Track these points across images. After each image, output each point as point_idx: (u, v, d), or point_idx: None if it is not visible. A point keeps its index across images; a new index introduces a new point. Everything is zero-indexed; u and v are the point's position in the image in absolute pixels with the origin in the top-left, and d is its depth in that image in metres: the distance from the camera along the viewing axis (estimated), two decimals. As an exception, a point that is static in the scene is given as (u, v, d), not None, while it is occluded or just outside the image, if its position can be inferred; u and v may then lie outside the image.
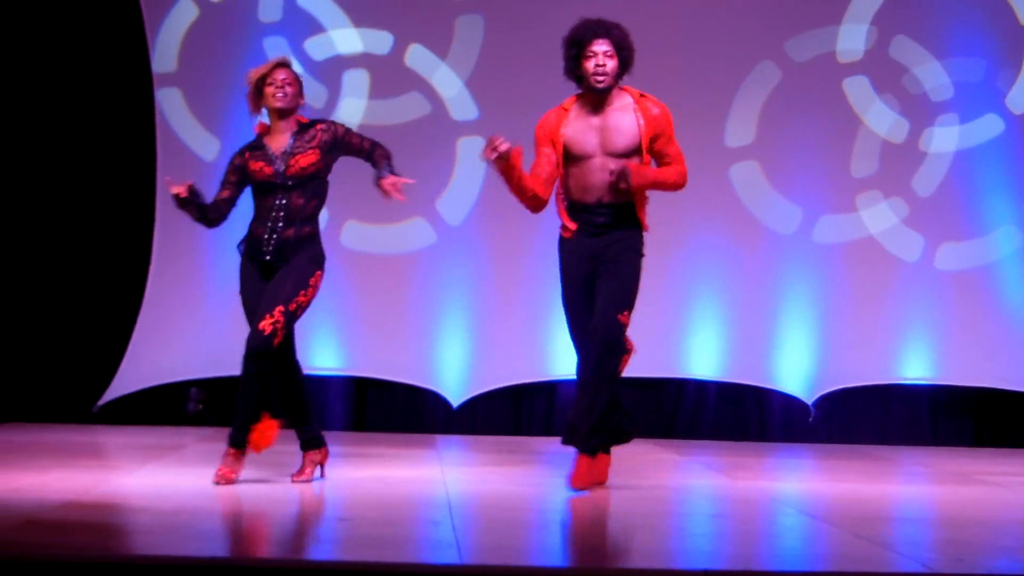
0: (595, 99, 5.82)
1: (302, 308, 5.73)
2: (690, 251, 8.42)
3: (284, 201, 5.73)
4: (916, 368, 8.52)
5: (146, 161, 8.35)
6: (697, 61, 8.43)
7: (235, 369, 8.17)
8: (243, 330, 8.20)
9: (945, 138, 8.54)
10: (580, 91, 5.90)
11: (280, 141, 5.80)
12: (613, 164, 5.75)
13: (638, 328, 8.29)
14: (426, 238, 8.43)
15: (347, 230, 8.37)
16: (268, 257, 5.72)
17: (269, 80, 5.77)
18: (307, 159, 5.76)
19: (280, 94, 5.75)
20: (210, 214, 5.89)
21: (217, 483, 5.57)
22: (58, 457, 6.46)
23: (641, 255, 5.92)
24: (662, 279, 8.41)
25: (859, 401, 8.64)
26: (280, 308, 5.61)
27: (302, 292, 5.70)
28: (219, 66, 8.35)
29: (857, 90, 8.53)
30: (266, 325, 5.59)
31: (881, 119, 8.54)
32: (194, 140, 8.38)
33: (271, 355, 5.64)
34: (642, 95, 5.93)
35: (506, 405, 8.56)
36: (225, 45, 8.37)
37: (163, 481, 5.82)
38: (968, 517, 5.49)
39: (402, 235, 8.41)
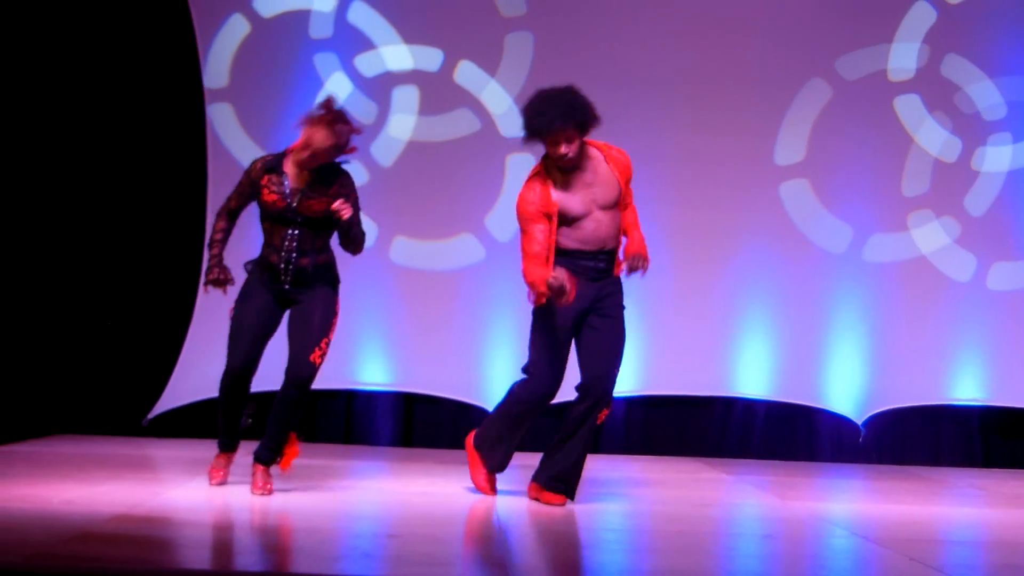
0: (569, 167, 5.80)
1: (334, 333, 5.94)
2: (739, 269, 8.38)
3: (297, 232, 5.80)
4: (967, 389, 8.44)
5: (197, 176, 8.41)
6: (747, 79, 8.40)
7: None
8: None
9: (998, 157, 8.47)
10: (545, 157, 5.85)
11: (300, 175, 5.82)
12: (603, 216, 5.77)
13: (687, 346, 8.33)
14: (475, 254, 8.43)
15: (396, 245, 8.40)
16: (287, 286, 5.81)
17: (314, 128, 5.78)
18: (321, 205, 5.78)
19: (308, 154, 5.76)
20: (220, 237, 6.02)
21: (261, 495, 5.77)
22: (108, 470, 6.50)
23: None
24: (711, 297, 8.39)
25: (910, 422, 8.56)
26: (325, 340, 5.83)
27: (333, 319, 5.89)
28: (270, 82, 8.40)
29: (908, 108, 8.48)
30: (316, 357, 5.81)
31: (933, 138, 8.48)
32: (245, 155, 8.40)
33: (310, 384, 5.88)
34: (606, 146, 5.91)
35: (553, 421, 8.52)
36: (276, 61, 8.42)
37: (212, 495, 5.84)
38: (1020, 540, 5.43)
39: (451, 251, 8.42)
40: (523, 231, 5.84)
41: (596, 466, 7.65)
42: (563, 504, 5.80)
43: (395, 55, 8.43)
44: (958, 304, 8.46)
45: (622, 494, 6.49)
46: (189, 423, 8.32)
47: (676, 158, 8.36)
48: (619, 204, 5.87)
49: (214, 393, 8.31)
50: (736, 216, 8.40)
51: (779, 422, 8.54)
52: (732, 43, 8.44)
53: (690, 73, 8.41)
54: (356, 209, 5.85)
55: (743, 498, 6.67)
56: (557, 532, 5.19)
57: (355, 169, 8.26)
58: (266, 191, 5.80)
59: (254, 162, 5.96)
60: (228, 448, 6.10)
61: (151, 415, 8.33)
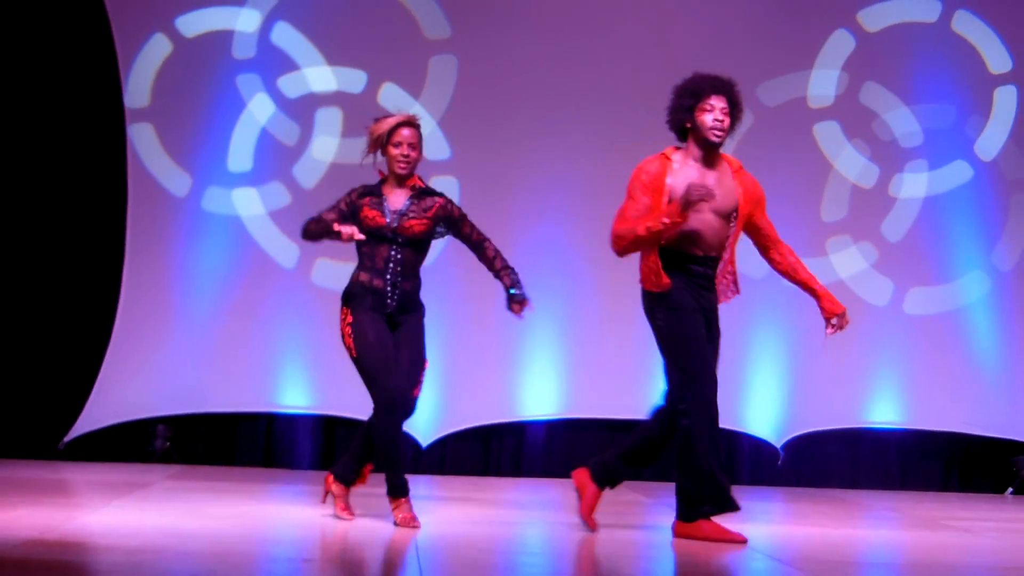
0: (704, 154, 5.64)
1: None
2: (661, 293, 8.41)
3: (399, 255, 5.78)
4: (885, 412, 8.54)
5: (118, 196, 8.33)
6: (666, 105, 8.43)
7: (203, 406, 8.27)
8: (211, 367, 8.25)
9: (914, 184, 8.60)
10: (680, 144, 5.73)
11: (397, 198, 5.83)
12: (714, 221, 5.60)
13: (610, 369, 8.35)
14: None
15: (318, 267, 8.35)
16: (392, 310, 5.80)
17: (396, 139, 5.79)
18: (421, 225, 5.78)
19: (404, 163, 5.79)
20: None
21: (414, 527, 5.68)
22: (23, 494, 6.39)
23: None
24: (634, 321, 8.40)
25: (828, 445, 8.66)
26: (422, 372, 5.86)
27: (423, 347, 5.88)
28: (192, 102, 8.36)
29: (828, 135, 8.59)
30: (418, 392, 5.85)
31: (851, 164, 8.60)
32: (165, 176, 8.37)
33: (414, 406, 5.91)
34: (740, 166, 5.79)
35: (475, 445, 8.53)
36: (198, 81, 8.37)
37: (128, 519, 5.76)
38: (935, 562, 5.49)
39: (373, 274, 8.37)
40: (628, 196, 5.65)
41: (517, 489, 7.66)
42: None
43: (318, 76, 8.41)
44: (876, 328, 8.56)
45: (543, 518, 6.48)
46: (106, 447, 8.22)
47: (598, 181, 8.39)
48: (734, 219, 5.67)
49: (132, 416, 8.29)
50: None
51: (700, 445, 8.57)
52: (654, 68, 8.47)
53: (612, 97, 8.46)
54: (467, 222, 5.85)
55: (662, 521, 6.68)
56: (475, 558, 5.17)
57: (276, 191, 8.36)
58: (367, 208, 5.81)
59: (351, 189, 5.97)
60: (394, 492, 5.87)
61: (67, 438, 8.22)
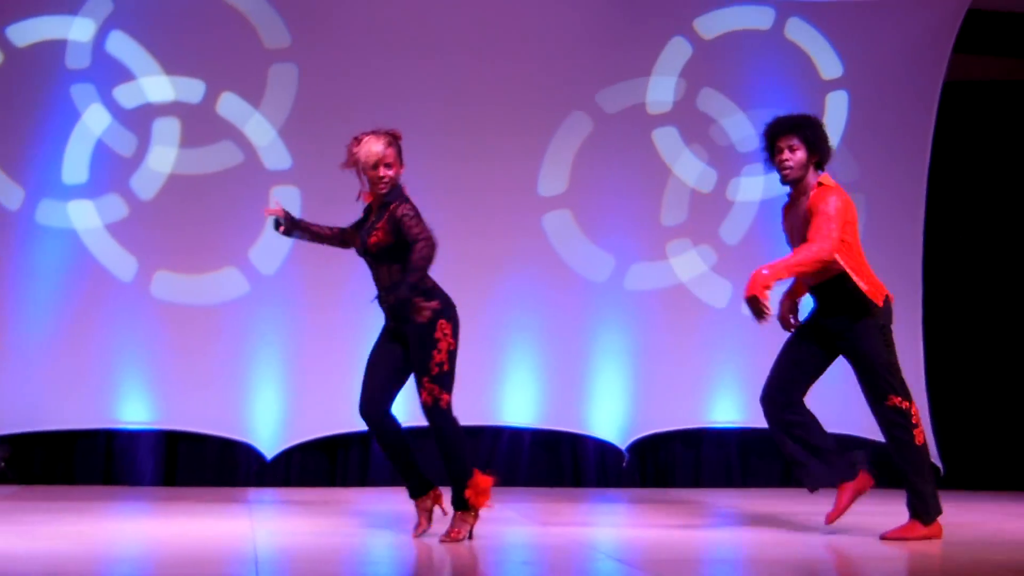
0: (796, 191, 6.13)
1: (446, 363, 5.82)
2: (504, 298, 8.47)
3: (376, 272, 5.85)
4: (726, 412, 8.68)
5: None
6: (511, 111, 8.51)
7: (39, 424, 8.07)
8: (47, 383, 8.05)
9: (751, 188, 8.77)
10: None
11: (376, 214, 5.85)
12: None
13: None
14: (239, 288, 8.32)
15: (158, 280, 8.22)
16: (389, 323, 5.87)
17: (372, 161, 5.78)
18: (377, 236, 5.78)
19: (386, 182, 5.80)
20: (327, 230, 6.05)
21: (443, 541, 5.72)
22: None
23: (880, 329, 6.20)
24: (476, 326, 8.41)
25: (672, 445, 8.78)
26: (426, 379, 5.76)
27: (435, 353, 5.77)
28: (24, 113, 8.16)
29: (666, 141, 8.72)
30: (425, 398, 5.79)
31: (690, 169, 8.74)
32: (-2, 189, 8.17)
33: (443, 417, 5.80)
34: (821, 183, 6.09)
35: (321, 456, 8.47)
36: (31, 91, 8.17)
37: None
38: (773, 558, 5.59)
39: (214, 285, 8.28)
40: None
41: (362, 498, 7.63)
42: None
43: (155, 86, 8.27)
44: (716, 329, 8.71)
45: (386, 526, 6.46)
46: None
47: (441, 188, 8.38)
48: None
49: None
50: (500, 246, 8.50)
51: (545, 450, 8.65)
52: (496, 76, 8.55)
53: (455, 105, 8.48)
54: (409, 221, 5.73)
55: (507, 526, 6.71)
56: (316, 570, 5.14)
57: (113, 203, 8.21)
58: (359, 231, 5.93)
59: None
60: (412, 494, 5.98)
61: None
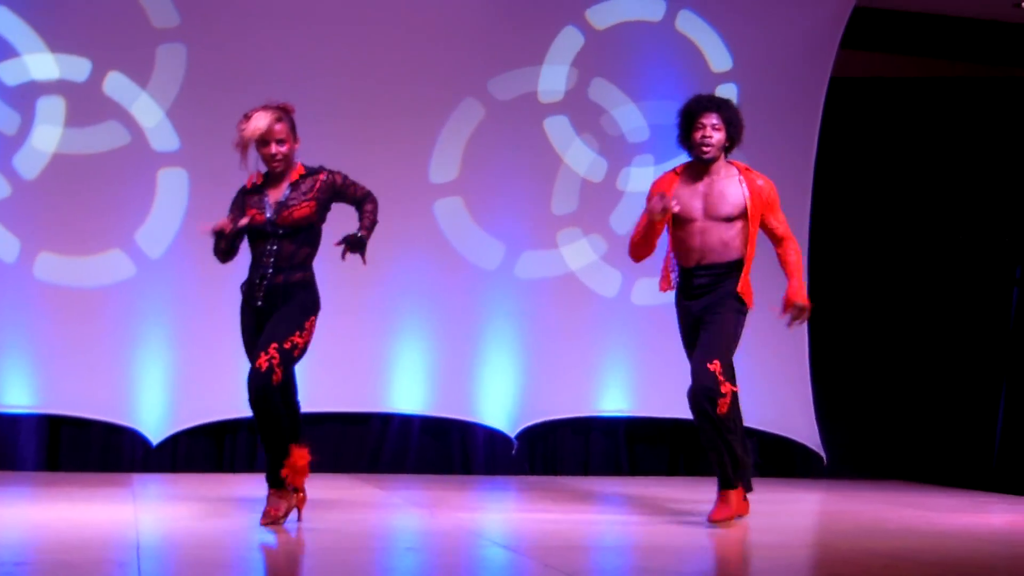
0: (701, 168, 6.25)
1: (298, 348, 5.69)
2: (394, 285, 8.44)
3: (275, 247, 5.72)
4: (614, 400, 8.75)
5: None
6: (403, 96, 8.47)
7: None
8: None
9: (640, 178, 8.82)
10: (690, 159, 6.31)
11: (278, 190, 5.78)
12: (712, 228, 6.15)
13: (342, 362, 8.31)
14: (124, 271, 8.19)
15: (41, 261, 8.07)
16: (260, 303, 5.72)
17: (265, 139, 5.68)
18: (301, 211, 5.73)
19: (279, 159, 5.73)
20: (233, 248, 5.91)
21: (264, 523, 5.59)
22: None
23: (741, 312, 6.27)
24: (366, 313, 8.41)
25: (560, 433, 8.83)
26: (275, 345, 5.59)
27: (297, 332, 5.68)
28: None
29: (558, 129, 8.75)
30: (263, 362, 5.58)
31: (580, 158, 8.78)
32: None
33: (273, 390, 5.59)
34: (747, 169, 6.29)
35: (208, 442, 8.38)
36: (-92, 67, 7.96)
37: None
38: (659, 544, 5.66)
39: (99, 267, 8.14)
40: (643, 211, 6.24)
41: (249, 485, 7.56)
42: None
43: (40, 64, 8.10)
44: (605, 318, 8.77)
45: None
46: None
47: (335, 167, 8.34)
48: (741, 220, 6.16)
49: None
50: (392, 233, 8.40)
51: (434, 437, 8.65)
52: (388, 60, 8.50)
53: (347, 89, 8.43)
54: (351, 183, 5.86)
55: (394, 513, 6.71)
56: (199, 555, 5.09)
57: (-6, 182, 8.01)
58: (248, 207, 5.78)
59: (239, 191, 5.91)
60: (275, 483, 5.75)
61: None
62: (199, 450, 8.36)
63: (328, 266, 8.19)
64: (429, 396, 8.52)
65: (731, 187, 6.25)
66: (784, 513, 7.11)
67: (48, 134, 8.10)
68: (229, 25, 8.30)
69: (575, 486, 8.09)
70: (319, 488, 7.50)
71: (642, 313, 8.79)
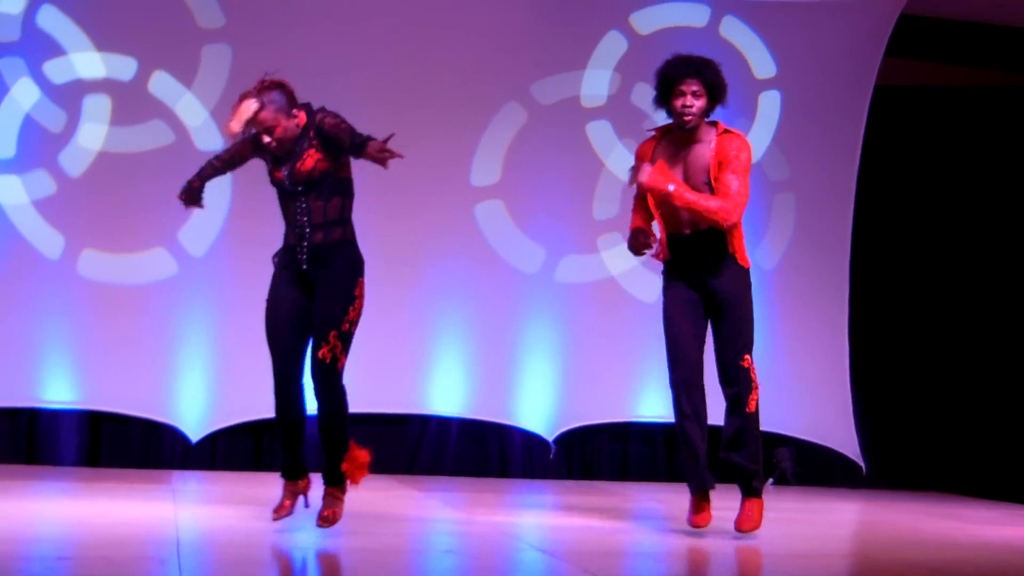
0: (682, 133, 5.90)
1: (354, 324, 5.44)
2: (435, 287, 8.46)
3: (304, 205, 5.42)
4: (653, 406, 8.72)
5: None
6: (446, 100, 8.48)
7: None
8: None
9: (681, 183, 8.79)
10: (671, 122, 5.95)
11: (287, 153, 5.49)
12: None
13: (383, 363, 8.33)
14: (167, 269, 8.24)
15: (85, 258, 8.12)
16: (305, 267, 5.43)
17: (255, 129, 5.44)
18: (306, 164, 5.43)
19: (275, 145, 5.45)
20: (214, 164, 5.68)
21: (321, 526, 5.42)
22: None
23: (749, 285, 6.00)
24: (407, 315, 8.43)
25: (598, 438, 8.81)
26: (333, 332, 5.36)
27: (351, 308, 5.43)
28: (-49, 85, 8.03)
29: (600, 134, 8.74)
30: (325, 353, 5.36)
31: (622, 163, 8.73)
32: (-78, 161, 8.03)
33: (341, 382, 5.42)
34: (727, 130, 5.94)
35: (247, 440, 8.42)
36: (-42, 64, 8.04)
37: None
38: (694, 552, 5.64)
39: (142, 265, 8.20)
40: None
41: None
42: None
43: (86, 62, 8.16)
44: (645, 324, 8.70)
45: (311, 513, 6.43)
46: None
47: (373, 175, 8.33)
48: (713, 188, 5.80)
49: None
50: (432, 235, 8.48)
51: (472, 439, 8.65)
52: (432, 64, 8.52)
53: (390, 91, 8.44)
54: (333, 125, 5.42)
55: (432, 515, 6.72)
56: (237, 554, 5.11)
57: (40, 180, 8.09)
58: (270, 162, 5.50)
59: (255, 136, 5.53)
60: (290, 475, 5.57)
61: None
62: (238, 448, 8.40)
63: (370, 266, 8.22)
64: (468, 399, 8.53)
65: (705, 152, 5.86)
66: (822, 522, 7.08)
67: (94, 132, 8.16)
68: (274, 25, 8.33)
69: (613, 491, 8.08)
70: (356, 488, 7.53)
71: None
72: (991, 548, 6.09)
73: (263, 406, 8.13)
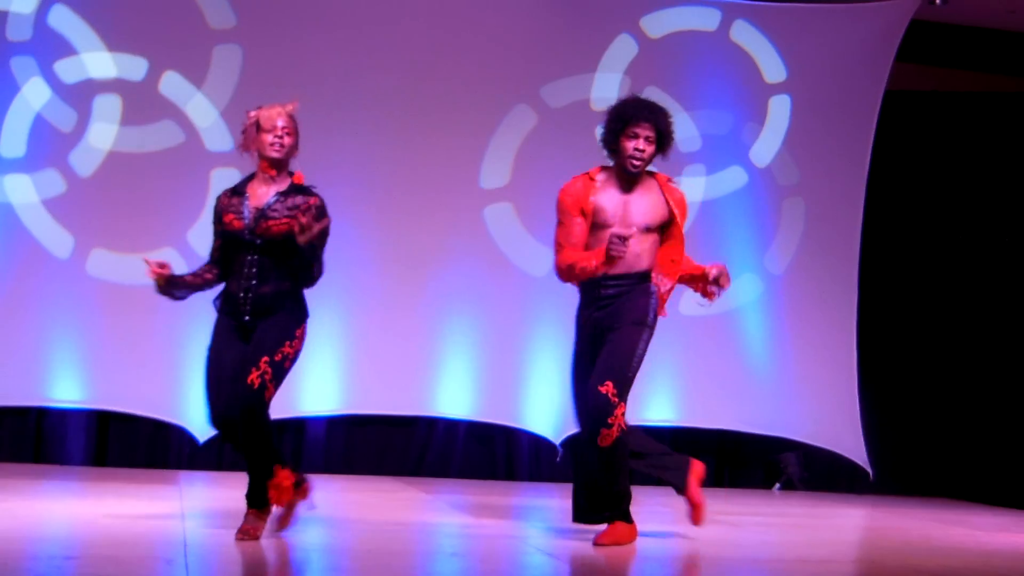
0: (625, 176, 5.77)
1: (289, 359, 5.33)
2: (443, 289, 8.46)
3: (255, 259, 5.34)
4: (660, 410, 8.72)
5: None
6: (455, 103, 8.49)
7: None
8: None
9: (692, 188, 8.75)
10: (610, 163, 5.83)
11: (263, 193, 5.40)
12: (636, 240, 5.66)
13: (390, 365, 8.34)
14: (176, 269, 8.19)
15: (94, 258, 8.14)
16: (247, 317, 5.34)
17: (267, 125, 5.41)
18: (281, 227, 5.31)
19: (277, 145, 5.38)
20: (206, 276, 5.58)
21: (240, 539, 5.26)
22: None
23: (648, 327, 5.75)
24: (415, 316, 8.44)
25: (605, 442, 8.78)
26: (266, 359, 5.25)
27: (287, 343, 5.32)
28: (-39, 85, 8.04)
29: (610, 137, 8.71)
30: (255, 378, 5.23)
31: (631, 167, 8.74)
32: (-68, 162, 8.04)
33: (265, 409, 5.29)
34: (668, 179, 5.86)
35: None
36: (-33, 62, 8.06)
37: None
38: (703, 556, 5.64)
39: (151, 265, 8.19)
40: (559, 222, 5.80)
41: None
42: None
43: (97, 62, 8.18)
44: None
45: (319, 514, 6.43)
46: None
47: (383, 177, 8.40)
48: (666, 234, 5.76)
49: None
50: (441, 237, 8.49)
51: (479, 442, 8.65)
52: (442, 67, 8.53)
53: (399, 94, 8.46)
54: (320, 237, 5.32)
55: (438, 517, 6.71)
56: (243, 552, 5.11)
57: (51, 179, 8.11)
58: (226, 212, 5.40)
59: (220, 195, 5.52)
60: (257, 504, 5.40)
61: None
62: (244, 449, 8.38)
63: (378, 268, 8.25)
64: (475, 401, 8.53)
65: (652, 197, 5.74)
66: (830, 528, 7.07)
67: (104, 132, 8.17)
68: (285, 27, 8.35)
69: (619, 495, 8.05)
70: (363, 490, 7.55)
71: (689, 324, 8.74)
72: (1000, 555, 6.07)
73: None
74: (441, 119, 8.46)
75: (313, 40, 8.37)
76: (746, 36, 8.89)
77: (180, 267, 8.15)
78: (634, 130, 5.70)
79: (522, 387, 8.57)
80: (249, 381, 5.23)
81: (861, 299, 9.01)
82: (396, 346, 8.31)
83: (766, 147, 8.93)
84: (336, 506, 6.89)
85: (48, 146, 8.13)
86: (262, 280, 5.33)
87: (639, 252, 5.75)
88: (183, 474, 7.98)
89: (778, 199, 8.93)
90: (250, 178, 5.51)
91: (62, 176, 8.14)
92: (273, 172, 5.44)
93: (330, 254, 8.19)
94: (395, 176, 8.41)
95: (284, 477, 5.35)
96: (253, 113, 5.53)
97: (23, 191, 8.08)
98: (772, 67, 8.92)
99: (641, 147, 5.69)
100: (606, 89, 8.71)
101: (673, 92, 8.78)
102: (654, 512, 7.47)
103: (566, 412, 8.63)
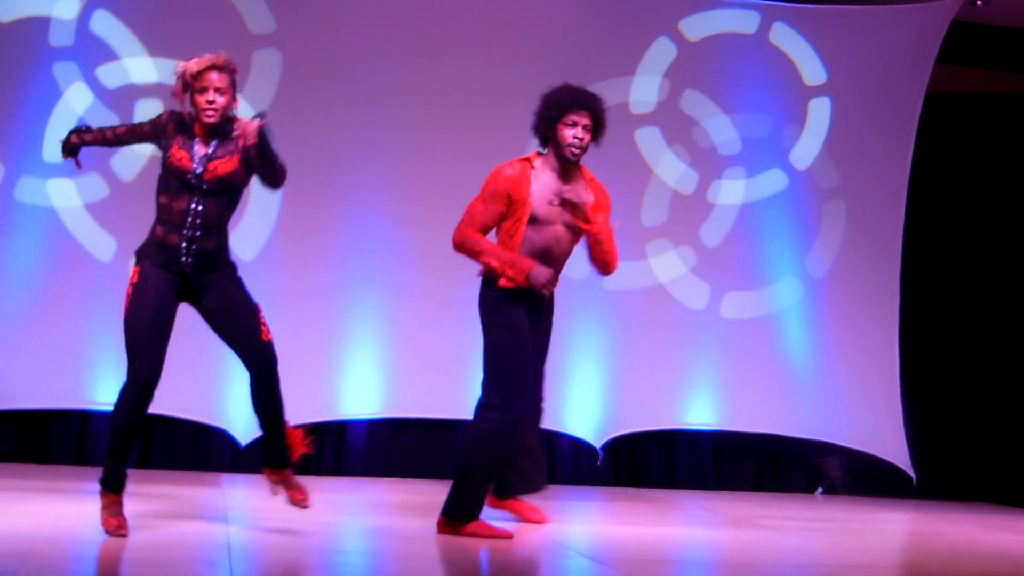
0: (563, 167, 5.70)
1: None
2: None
3: (200, 208, 5.19)
4: (701, 414, 8.70)
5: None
6: (493, 106, 8.48)
7: (13, 402, 8.02)
8: (22, 362, 7.99)
9: (732, 191, 8.79)
10: (543, 151, 5.75)
11: (207, 145, 5.26)
12: (564, 235, 5.67)
13: (432, 368, 8.35)
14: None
15: (135, 263, 8.17)
16: (188, 270, 5.23)
17: (201, 84, 5.22)
18: (226, 166, 5.21)
19: (210, 111, 5.20)
20: (106, 135, 5.52)
21: (304, 505, 5.46)
22: None
23: None
24: (453, 321, 8.42)
25: (646, 445, 8.79)
26: (260, 312, 5.40)
27: (247, 291, 5.38)
28: (6, 89, 8.09)
29: (649, 141, 8.72)
30: (268, 334, 5.42)
31: (671, 170, 8.74)
32: (-23, 165, 8.11)
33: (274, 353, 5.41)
34: (592, 176, 5.84)
35: (295, 444, 8.42)
36: (13, 68, 8.10)
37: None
38: (745, 561, 5.62)
39: (192, 269, 8.23)
40: (483, 198, 5.69)
41: (337, 487, 7.61)
42: None
43: (139, 67, 8.22)
44: (693, 331, 8.72)
45: (360, 515, 6.45)
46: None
47: (422, 177, 8.40)
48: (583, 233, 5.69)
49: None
50: (481, 241, 8.46)
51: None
52: (481, 69, 8.53)
53: (438, 98, 8.47)
54: (264, 136, 5.14)
55: (480, 520, 6.69)
56: (289, 558, 5.12)
57: (93, 183, 8.15)
58: (176, 147, 5.21)
59: (162, 113, 5.33)
60: (118, 487, 5.35)
61: None
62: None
63: (417, 275, 8.25)
64: (516, 405, 8.50)
65: (581, 194, 5.71)
66: (873, 532, 7.03)
67: (146, 137, 8.20)
68: (325, 33, 8.37)
69: (660, 499, 8.05)
70: (406, 493, 7.56)
71: (730, 327, 8.74)
72: (1045, 560, 6.03)
73: (310, 410, 8.22)
74: (479, 121, 8.46)
75: (353, 45, 8.38)
76: (785, 38, 8.86)
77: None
78: (572, 118, 5.62)
79: (563, 391, 8.55)
80: (266, 339, 5.38)
81: (903, 302, 8.96)
82: (437, 350, 8.31)
83: (806, 150, 8.89)
84: (377, 510, 6.90)
85: (91, 151, 8.13)
86: (206, 233, 5.23)
87: (569, 251, 5.84)
88: (225, 476, 8.01)
89: (819, 202, 8.90)
90: (194, 120, 5.34)
91: (104, 180, 8.18)
92: (212, 139, 5.27)
93: (368, 254, 8.27)
94: (434, 175, 8.41)
95: (293, 432, 5.53)
96: (181, 65, 5.33)
97: (66, 195, 8.14)
98: (812, 69, 8.89)
99: (580, 135, 5.62)
100: (645, 92, 8.71)
101: (712, 95, 8.78)
102: (696, 516, 7.45)
103: (607, 416, 8.64)
